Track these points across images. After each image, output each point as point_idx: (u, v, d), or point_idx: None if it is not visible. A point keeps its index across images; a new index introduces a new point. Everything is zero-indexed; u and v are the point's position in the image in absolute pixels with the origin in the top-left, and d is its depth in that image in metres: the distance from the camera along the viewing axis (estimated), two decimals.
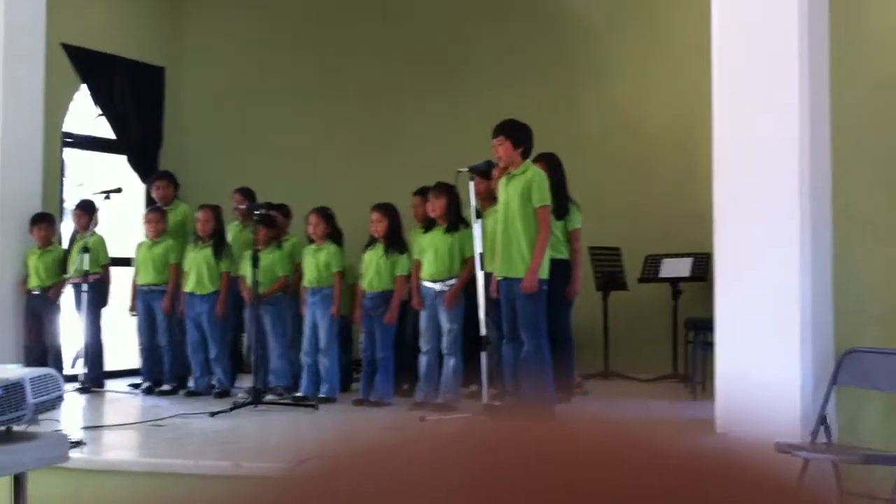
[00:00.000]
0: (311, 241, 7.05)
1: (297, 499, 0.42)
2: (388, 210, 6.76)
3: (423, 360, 6.42)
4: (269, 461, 4.48)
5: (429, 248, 6.43)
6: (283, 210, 7.74)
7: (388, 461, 0.44)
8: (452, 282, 6.34)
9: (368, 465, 0.43)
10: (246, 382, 7.08)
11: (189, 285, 7.38)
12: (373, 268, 6.71)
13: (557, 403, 5.80)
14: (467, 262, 6.28)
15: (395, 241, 6.73)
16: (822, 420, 4.50)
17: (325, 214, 7.03)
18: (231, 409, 6.17)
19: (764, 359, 4.96)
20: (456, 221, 6.42)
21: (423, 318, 6.44)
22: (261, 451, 5.05)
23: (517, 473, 0.40)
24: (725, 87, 5.22)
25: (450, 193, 6.40)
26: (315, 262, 6.93)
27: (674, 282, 7.83)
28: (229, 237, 7.68)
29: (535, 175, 5.61)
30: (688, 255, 7.77)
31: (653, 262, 8.01)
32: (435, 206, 6.43)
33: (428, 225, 6.57)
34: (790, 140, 4.96)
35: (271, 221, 7.23)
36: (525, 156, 5.68)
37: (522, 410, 5.43)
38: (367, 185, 8.48)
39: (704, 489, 0.41)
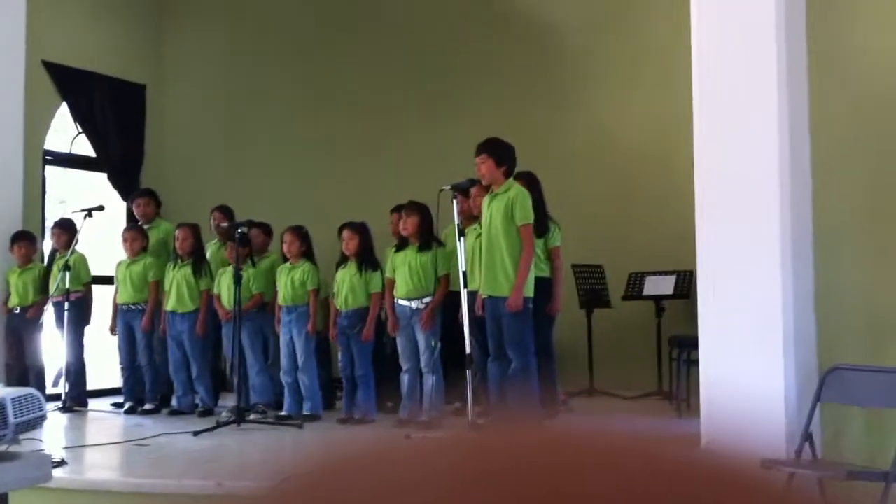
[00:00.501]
0: (286, 260, 7.05)
1: None
2: (358, 228, 6.76)
3: (404, 379, 6.42)
4: (253, 480, 4.45)
5: (402, 267, 6.43)
6: (264, 228, 7.72)
7: (378, 467, 0.43)
8: (427, 300, 6.34)
9: (358, 471, 0.43)
10: (229, 401, 7.04)
11: (170, 304, 7.35)
12: (346, 286, 6.70)
13: (543, 420, 5.78)
14: (441, 281, 6.29)
15: (368, 259, 6.73)
16: (808, 436, 4.52)
17: (300, 233, 7.03)
18: (214, 428, 6.13)
19: (748, 375, 4.97)
20: (429, 240, 6.43)
21: (401, 338, 6.43)
22: (244, 470, 5.01)
23: (508, 477, 0.40)
24: (706, 107, 5.25)
25: (422, 212, 6.41)
26: (290, 280, 6.93)
27: (657, 299, 7.85)
28: (208, 255, 7.66)
29: (519, 193, 5.63)
30: (671, 272, 7.80)
31: (636, 280, 8.03)
32: (407, 225, 6.43)
33: (401, 243, 6.57)
34: (770, 157, 5.00)
35: (245, 240, 7.22)
36: (508, 174, 5.70)
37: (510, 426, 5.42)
38: (350, 203, 8.47)
39: (696, 493, 0.41)
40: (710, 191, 5.18)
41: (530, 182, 6.37)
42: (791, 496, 0.43)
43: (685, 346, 6.56)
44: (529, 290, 5.56)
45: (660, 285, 7.86)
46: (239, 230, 6.92)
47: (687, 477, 0.42)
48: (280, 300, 7.00)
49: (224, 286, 7.11)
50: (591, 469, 0.41)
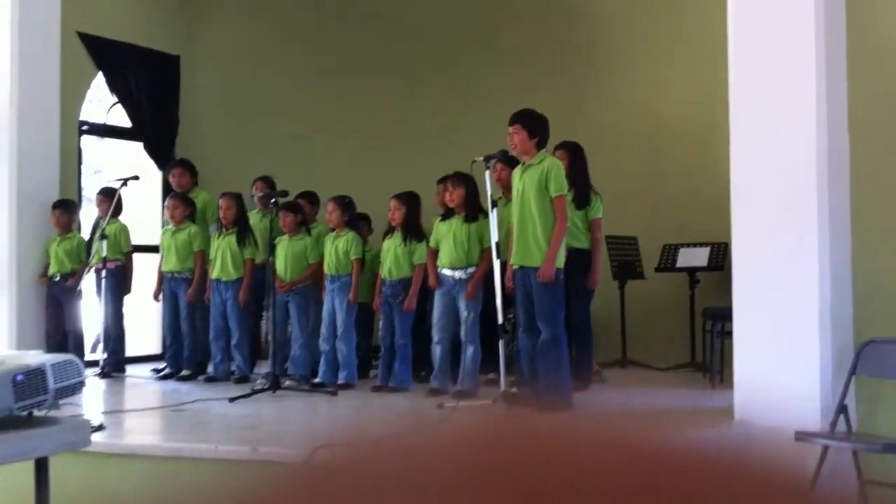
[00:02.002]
0: (332, 229, 7.10)
1: (314, 488, 0.42)
2: (406, 198, 6.78)
3: (436, 350, 6.44)
4: (287, 446, 4.51)
5: (447, 237, 6.45)
6: (311, 198, 7.76)
7: (399, 455, 0.43)
8: (471, 270, 6.35)
9: (376, 458, 0.43)
10: (265, 368, 7.11)
11: (215, 272, 7.44)
12: (391, 256, 6.74)
13: (576, 392, 5.80)
14: (486, 252, 6.29)
15: (413, 230, 6.75)
16: (842, 409, 4.49)
17: (342, 202, 7.05)
18: (250, 395, 6.20)
19: (783, 348, 4.95)
20: (474, 211, 6.43)
21: (439, 306, 6.44)
22: (279, 436, 5.07)
23: (527, 470, 0.40)
24: (742, 79, 5.19)
25: (468, 183, 6.41)
26: (334, 250, 6.97)
27: (691, 271, 7.81)
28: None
29: (552, 165, 5.60)
30: (705, 244, 7.74)
31: (670, 252, 7.98)
32: (453, 196, 6.44)
33: (447, 213, 6.58)
34: (808, 131, 4.93)
35: (296, 208, 7.26)
36: (540, 146, 5.66)
37: (540, 398, 5.44)
38: (388, 175, 8.47)
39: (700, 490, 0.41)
40: (746, 164, 5.13)
41: (575, 152, 6.34)
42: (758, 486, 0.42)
43: (719, 318, 6.53)
44: (560, 262, 5.55)
45: (694, 257, 7.81)
46: (273, 199, 6.95)
47: (693, 475, 0.42)
48: (325, 269, 7.05)
49: (280, 257, 7.15)
50: (599, 468, 0.41)
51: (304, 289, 7.26)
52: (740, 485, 0.41)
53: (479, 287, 6.32)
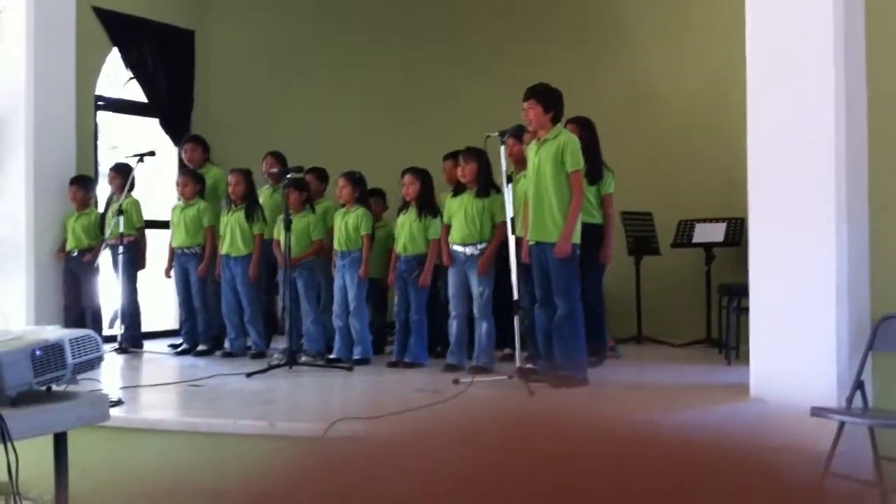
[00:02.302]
0: (343, 205, 7.10)
1: (330, 463, 0.42)
2: (419, 174, 6.77)
3: (453, 325, 6.45)
4: (304, 421, 4.53)
5: (458, 212, 6.43)
6: (319, 173, 7.75)
7: (410, 437, 0.43)
8: (483, 246, 6.34)
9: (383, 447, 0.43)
10: (281, 344, 7.15)
11: (224, 248, 7.46)
12: (406, 232, 6.74)
13: (590, 367, 5.80)
14: (498, 227, 6.28)
15: (428, 205, 6.74)
16: (859, 385, 4.47)
17: (353, 178, 7.05)
18: (266, 370, 6.23)
19: (799, 324, 4.93)
20: (486, 186, 6.41)
21: (453, 282, 6.45)
22: (296, 411, 5.11)
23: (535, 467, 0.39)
24: (760, 55, 5.15)
25: (480, 158, 6.38)
26: (344, 226, 6.97)
27: (707, 247, 7.77)
28: (261, 201, 7.72)
29: (569, 140, 5.57)
30: (721, 219, 7.70)
31: (686, 227, 7.95)
32: (465, 171, 6.41)
33: (458, 189, 6.57)
34: (826, 104, 4.89)
35: (302, 185, 7.26)
36: (555, 121, 5.63)
37: (556, 374, 5.44)
38: (398, 149, 8.47)
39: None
40: (764, 138, 5.09)
41: (586, 127, 6.30)
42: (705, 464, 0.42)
43: (735, 294, 6.50)
44: (577, 237, 5.54)
45: (710, 233, 7.78)
46: (288, 175, 6.95)
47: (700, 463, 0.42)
48: (335, 245, 7.06)
49: (283, 233, 7.16)
50: (611, 458, 0.41)
51: (310, 264, 7.27)
52: (755, 476, 0.41)
53: (490, 263, 6.32)
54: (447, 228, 6.53)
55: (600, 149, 6.50)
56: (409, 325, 6.71)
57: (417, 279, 6.69)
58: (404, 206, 6.90)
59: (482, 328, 6.26)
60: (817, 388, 4.72)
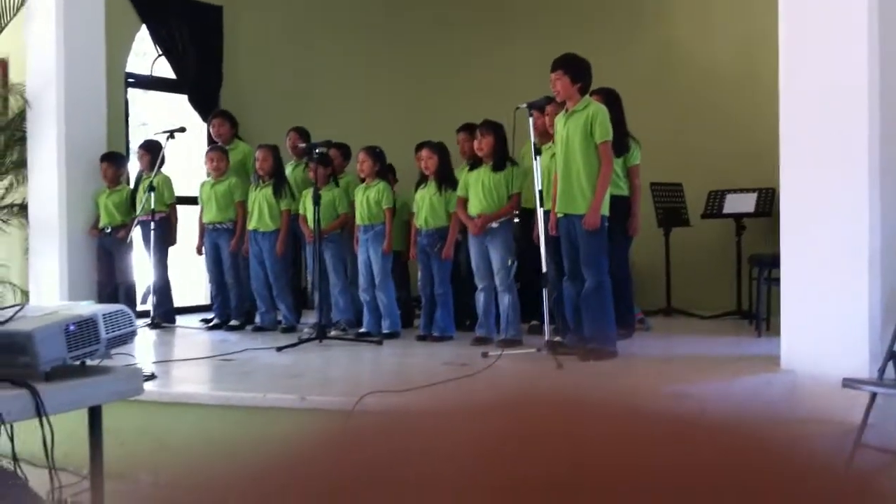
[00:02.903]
0: (363, 180, 7.11)
1: (358, 438, 0.43)
2: (437, 147, 6.75)
3: (480, 298, 6.46)
4: (334, 395, 4.57)
5: (475, 185, 6.41)
6: (343, 149, 7.77)
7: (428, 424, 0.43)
8: (502, 219, 6.34)
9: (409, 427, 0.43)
10: (311, 318, 7.19)
11: (252, 223, 7.51)
12: (426, 205, 6.73)
13: (619, 340, 5.79)
14: (512, 198, 6.30)
15: (447, 178, 6.73)
16: (891, 356, 4.43)
17: (374, 153, 7.05)
18: (296, 344, 6.28)
19: (831, 295, 4.89)
20: (503, 159, 6.38)
21: (475, 255, 6.45)
22: (326, 385, 5.15)
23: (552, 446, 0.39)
24: (792, 26, 5.07)
25: (497, 131, 6.36)
26: (365, 200, 6.98)
27: (738, 217, 7.72)
28: (287, 175, 7.75)
29: (598, 110, 5.53)
30: (752, 189, 7.64)
31: (716, 198, 7.89)
32: (482, 144, 6.39)
33: (475, 162, 6.54)
34: (860, 74, 4.82)
35: (326, 160, 7.28)
36: (583, 92, 5.59)
37: (585, 346, 5.44)
38: (423, 124, 8.45)
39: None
40: (795, 109, 5.03)
41: (610, 98, 6.24)
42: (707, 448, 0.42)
43: (766, 265, 6.45)
44: (605, 209, 5.51)
45: (740, 203, 7.72)
46: (317, 150, 6.97)
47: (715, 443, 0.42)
48: (357, 220, 7.08)
49: (309, 207, 7.20)
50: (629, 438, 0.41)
51: (337, 236, 7.31)
52: (780, 459, 0.40)
53: (486, 225, 6.28)
54: (464, 201, 6.51)
55: (625, 120, 6.44)
56: (435, 299, 6.73)
57: (440, 253, 6.69)
58: (422, 179, 6.89)
59: (505, 301, 6.26)
60: (849, 360, 4.69)
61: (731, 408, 0.44)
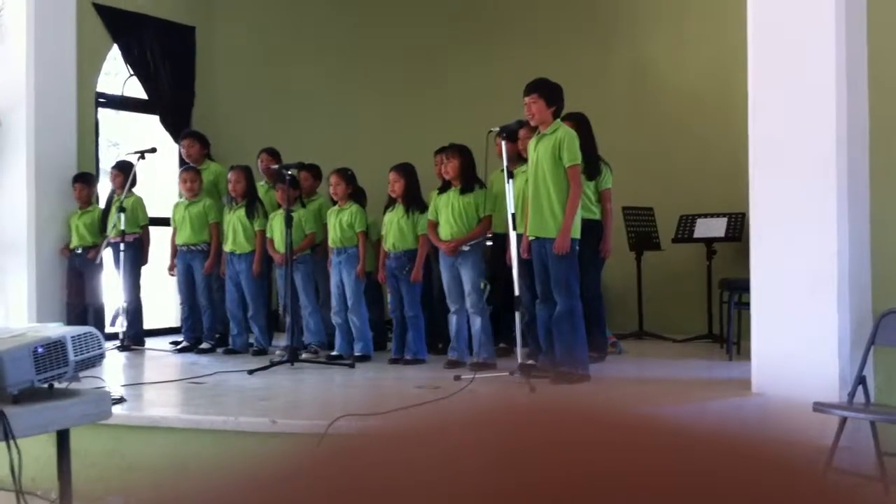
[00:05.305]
0: (335, 202, 7.10)
1: (333, 461, 0.42)
2: (404, 170, 6.75)
3: (452, 320, 6.46)
4: (306, 418, 4.53)
5: (444, 209, 6.43)
6: (313, 171, 7.76)
7: (415, 442, 0.43)
8: (472, 242, 6.35)
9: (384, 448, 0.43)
10: (282, 341, 7.16)
11: (227, 245, 7.49)
12: (394, 228, 6.73)
13: (591, 363, 5.80)
14: (483, 220, 6.31)
15: (414, 201, 6.73)
16: (861, 380, 4.47)
17: (346, 175, 7.06)
18: (268, 367, 6.24)
19: (801, 319, 4.93)
20: (470, 182, 6.41)
21: (446, 278, 6.45)
22: (297, 408, 5.11)
23: (546, 458, 0.39)
24: (761, 46, 5.14)
25: (463, 154, 6.39)
26: (338, 223, 6.98)
27: (708, 242, 7.77)
28: None
29: (566, 134, 5.57)
30: (722, 214, 7.70)
31: (687, 222, 7.95)
32: (448, 168, 6.42)
33: (445, 185, 6.56)
34: (827, 98, 4.88)
35: (294, 182, 7.26)
36: (556, 115, 5.64)
37: (557, 369, 5.45)
38: (398, 145, 8.47)
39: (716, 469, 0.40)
40: (765, 133, 5.09)
41: (580, 123, 6.28)
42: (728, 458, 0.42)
43: (736, 289, 6.50)
44: (576, 233, 5.53)
45: (711, 228, 7.78)
46: (289, 172, 6.96)
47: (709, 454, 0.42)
48: (329, 242, 7.07)
49: (276, 229, 7.20)
50: (616, 448, 0.41)
51: (305, 258, 7.29)
52: (755, 468, 0.41)
53: (458, 248, 6.29)
54: (434, 224, 6.52)
55: (596, 144, 6.48)
56: (406, 322, 6.71)
57: (409, 275, 6.68)
58: (390, 202, 6.89)
59: (476, 324, 6.26)
60: (819, 384, 4.72)
61: (707, 427, 0.44)
